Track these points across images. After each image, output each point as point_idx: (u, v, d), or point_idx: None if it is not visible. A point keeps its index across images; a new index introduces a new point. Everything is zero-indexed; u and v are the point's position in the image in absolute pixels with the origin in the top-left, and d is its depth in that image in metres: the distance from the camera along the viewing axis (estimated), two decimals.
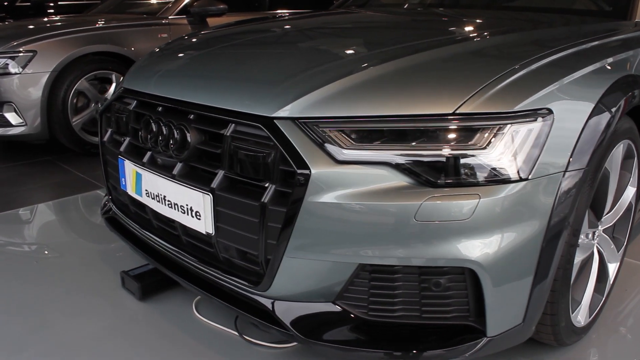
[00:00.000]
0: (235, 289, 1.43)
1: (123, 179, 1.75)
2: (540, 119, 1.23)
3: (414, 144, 1.20)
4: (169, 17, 4.18)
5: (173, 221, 1.54)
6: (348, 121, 1.24)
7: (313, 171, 1.20)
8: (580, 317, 1.57)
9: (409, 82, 1.31)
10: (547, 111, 1.24)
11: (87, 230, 2.54)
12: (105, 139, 1.88)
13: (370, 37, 1.91)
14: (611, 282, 1.73)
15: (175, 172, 1.48)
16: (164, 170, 1.52)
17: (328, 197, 1.20)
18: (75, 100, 3.62)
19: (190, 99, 1.48)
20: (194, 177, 1.45)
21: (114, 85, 3.78)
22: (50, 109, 3.52)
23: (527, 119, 1.22)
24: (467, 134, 1.20)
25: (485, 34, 1.76)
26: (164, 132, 1.50)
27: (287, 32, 2.15)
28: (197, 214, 1.42)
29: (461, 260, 1.20)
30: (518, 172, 1.20)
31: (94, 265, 2.14)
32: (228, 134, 1.35)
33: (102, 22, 3.89)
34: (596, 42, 1.62)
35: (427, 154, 1.19)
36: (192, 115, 1.47)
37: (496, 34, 1.73)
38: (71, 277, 2.05)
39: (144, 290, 1.88)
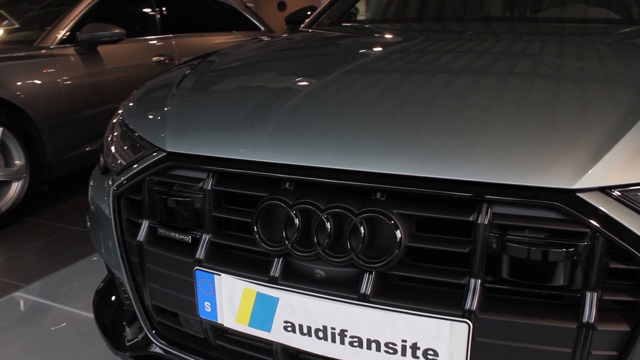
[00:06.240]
0: None
1: (207, 304, 1.09)
2: None
3: None
4: (52, 47, 3.24)
5: None
6: None
7: None
8: None
9: None
10: None
11: None
12: (142, 237, 1.18)
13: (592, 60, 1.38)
14: None
15: (366, 289, 0.92)
16: (333, 287, 0.95)
17: None
18: None
19: (376, 167, 0.93)
20: (408, 295, 0.91)
21: None
22: None
23: None
24: None
25: None
26: (327, 225, 0.93)
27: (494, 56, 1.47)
28: (430, 353, 0.89)
29: None
30: None
31: None
32: (485, 221, 0.85)
33: None
34: None
35: None
36: (382, 194, 0.93)
37: None
38: None
39: None
